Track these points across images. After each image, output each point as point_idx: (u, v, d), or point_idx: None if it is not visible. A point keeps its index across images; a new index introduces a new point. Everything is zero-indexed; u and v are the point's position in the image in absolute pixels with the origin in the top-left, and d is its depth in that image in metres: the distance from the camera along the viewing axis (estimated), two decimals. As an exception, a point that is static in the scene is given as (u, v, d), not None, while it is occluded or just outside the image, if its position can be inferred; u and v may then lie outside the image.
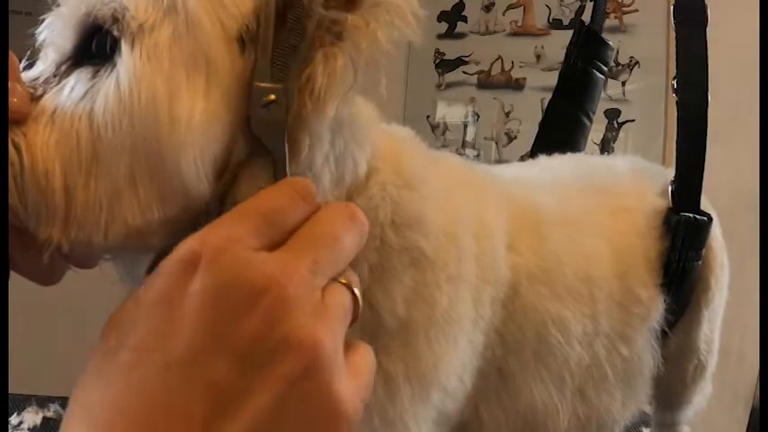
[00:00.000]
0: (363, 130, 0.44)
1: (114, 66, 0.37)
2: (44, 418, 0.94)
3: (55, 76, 0.39)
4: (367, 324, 0.45)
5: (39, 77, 0.39)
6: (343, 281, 0.35)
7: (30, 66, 0.40)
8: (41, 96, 0.38)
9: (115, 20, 0.37)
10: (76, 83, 0.38)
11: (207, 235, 0.31)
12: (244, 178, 0.38)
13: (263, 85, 0.36)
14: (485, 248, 0.51)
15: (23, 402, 0.96)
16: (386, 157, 0.47)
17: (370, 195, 0.45)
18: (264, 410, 0.29)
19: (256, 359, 0.29)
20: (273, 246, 0.32)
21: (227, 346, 0.29)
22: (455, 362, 0.49)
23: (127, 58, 0.36)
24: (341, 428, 0.31)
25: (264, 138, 0.37)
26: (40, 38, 0.41)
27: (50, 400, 0.98)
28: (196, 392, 0.28)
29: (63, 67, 0.39)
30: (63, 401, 0.98)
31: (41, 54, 0.41)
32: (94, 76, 0.37)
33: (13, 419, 0.93)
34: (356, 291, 0.35)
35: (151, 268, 0.35)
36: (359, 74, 0.37)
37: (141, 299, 0.31)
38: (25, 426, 0.92)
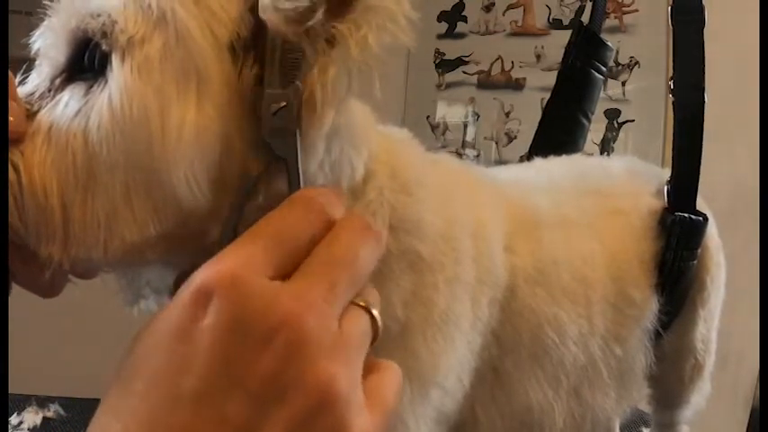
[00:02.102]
0: (359, 133, 0.44)
1: (106, 81, 0.37)
2: (44, 418, 0.94)
3: (49, 90, 0.39)
4: None
5: (34, 92, 0.39)
6: (362, 303, 0.34)
7: (25, 79, 0.41)
8: (37, 112, 0.38)
9: (104, 34, 0.37)
10: (70, 99, 0.38)
11: (220, 263, 0.30)
12: (261, 191, 0.38)
13: (273, 91, 0.36)
14: (482, 250, 0.52)
15: (23, 402, 0.97)
16: (382, 160, 0.47)
17: (369, 201, 0.45)
18: None
19: (270, 396, 0.29)
20: (289, 268, 0.32)
21: (239, 383, 0.29)
22: (453, 362, 0.49)
23: (118, 74, 0.36)
24: None
25: (276, 145, 0.36)
26: (35, 47, 0.41)
27: (50, 400, 0.98)
28: (206, 428, 0.28)
29: (57, 81, 0.39)
30: (63, 401, 0.98)
31: (36, 64, 0.41)
32: (87, 92, 0.37)
33: (13, 419, 0.93)
34: (374, 311, 0.34)
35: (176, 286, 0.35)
36: (353, 80, 0.37)
37: (156, 329, 0.30)
38: (25, 426, 0.92)
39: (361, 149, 0.45)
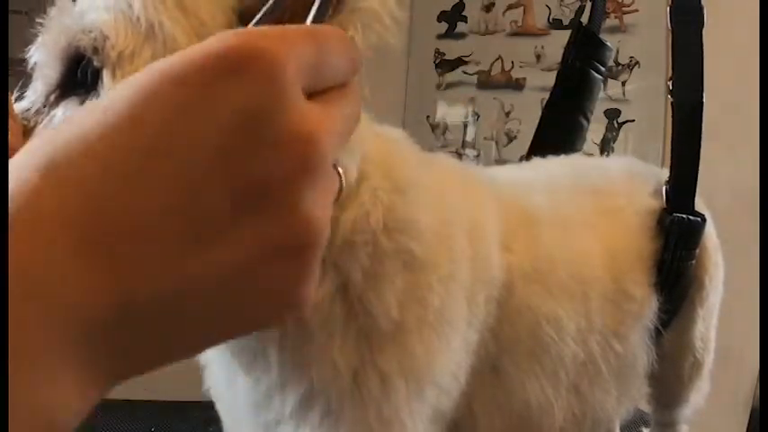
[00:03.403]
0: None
1: (99, 96, 0.37)
2: (44, 418, 0.94)
3: (45, 106, 0.40)
4: (362, 326, 0.45)
5: (30, 108, 0.40)
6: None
7: (23, 94, 0.41)
8: (34, 128, 0.39)
9: (96, 50, 0.37)
10: (64, 114, 0.38)
11: (265, 39, 0.25)
12: None
13: None
14: (478, 249, 0.52)
15: (24, 402, 0.96)
16: (376, 160, 0.47)
17: (362, 202, 0.45)
18: (233, 264, 0.25)
19: (251, 207, 0.25)
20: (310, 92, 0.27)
21: (228, 178, 0.24)
22: (449, 360, 0.49)
23: (109, 89, 0.37)
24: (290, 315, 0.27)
25: None
26: (31, 62, 0.41)
27: (51, 399, 0.98)
28: (173, 202, 0.24)
29: (52, 98, 0.40)
30: (63, 401, 0.98)
31: (33, 79, 0.41)
32: (80, 107, 0.38)
33: (14, 419, 0.93)
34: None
35: None
36: None
37: (160, 75, 0.24)
38: (25, 425, 0.92)
39: (354, 151, 0.45)
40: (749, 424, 1.70)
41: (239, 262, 0.25)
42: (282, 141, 0.25)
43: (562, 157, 0.76)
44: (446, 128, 2.18)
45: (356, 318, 0.45)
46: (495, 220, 0.55)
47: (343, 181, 0.31)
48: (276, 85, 0.25)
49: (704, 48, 0.70)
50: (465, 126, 2.17)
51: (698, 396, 0.77)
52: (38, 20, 0.41)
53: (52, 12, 0.40)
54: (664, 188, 0.68)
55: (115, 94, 0.25)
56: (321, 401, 0.46)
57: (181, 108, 0.24)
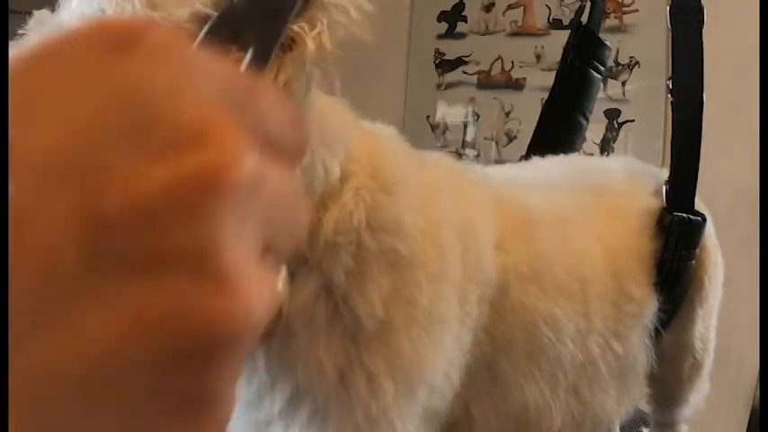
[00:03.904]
0: (333, 133, 0.44)
1: None
2: (44, 418, 0.94)
3: None
4: (348, 326, 0.45)
5: None
6: None
7: None
8: None
9: None
10: None
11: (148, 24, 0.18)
12: None
13: None
14: (470, 248, 0.52)
15: (23, 402, 0.96)
16: (362, 160, 0.47)
17: (344, 202, 0.45)
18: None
19: (153, 221, 0.15)
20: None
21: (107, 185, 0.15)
22: (441, 359, 0.49)
23: None
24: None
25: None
26: None
27: (50, 399, 0.98)
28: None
29: None
30: (63, 401, 0.98)
31: None
32: None
33: (14, 419, 0.93)
34: None
35: None
36: (312, 80, 0.37)
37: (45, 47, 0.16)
38: (25, 425, 0.92)
39: (337, 150, 0.44)
40: (749, 424, 1.70)
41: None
42: (183, 144, 0.16)
43: (561, 156, 0.76)
44: (446, 128, 2.18)
45: (341, 318, 0.45)
46: (489, 219, 0.55)
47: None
48: (169, 56, 0.17)
49: (704, 48, 0.70)
50: (465, 126, 2.17)
51: (697, 396, 0.77)
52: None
53: (30, 23, 0.40)
54: (664, 188, 0.68)
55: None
56: (308, 401, 0.45)
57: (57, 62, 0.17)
